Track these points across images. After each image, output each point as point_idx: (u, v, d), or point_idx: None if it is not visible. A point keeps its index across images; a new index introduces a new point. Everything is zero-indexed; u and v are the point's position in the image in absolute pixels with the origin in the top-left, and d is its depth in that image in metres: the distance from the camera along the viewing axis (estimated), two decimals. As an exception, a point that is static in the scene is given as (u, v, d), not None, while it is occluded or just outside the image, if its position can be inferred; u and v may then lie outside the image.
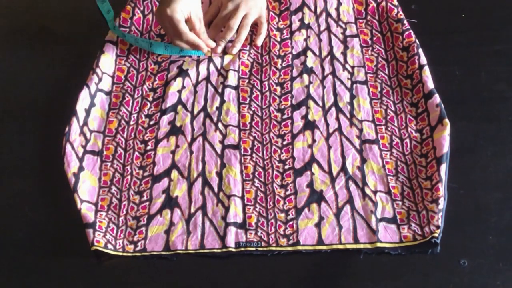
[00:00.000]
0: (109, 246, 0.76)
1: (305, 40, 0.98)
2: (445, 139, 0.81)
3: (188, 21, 0.94)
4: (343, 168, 0.82)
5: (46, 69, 1.00)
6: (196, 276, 0.75)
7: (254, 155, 0.85)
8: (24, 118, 0.93)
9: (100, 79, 0.93)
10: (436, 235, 0.73)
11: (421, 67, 0.90)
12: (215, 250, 0.76)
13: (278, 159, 0.84)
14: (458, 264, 0.73)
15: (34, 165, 0.87)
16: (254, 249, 0.76)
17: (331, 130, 0.86)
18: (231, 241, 0.76)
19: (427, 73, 0.89)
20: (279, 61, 0.96)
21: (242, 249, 0.76)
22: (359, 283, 0.73)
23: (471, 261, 0.73)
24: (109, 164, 0.85)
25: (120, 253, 0.76)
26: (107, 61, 0.96)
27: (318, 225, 0.77)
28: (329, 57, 0.96)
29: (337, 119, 0.88)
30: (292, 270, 0.75)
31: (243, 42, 0.98)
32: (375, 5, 1.02)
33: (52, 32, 1.06)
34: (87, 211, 0.78)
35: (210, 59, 0.97)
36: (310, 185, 0.81)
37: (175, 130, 0.88)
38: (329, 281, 0.74)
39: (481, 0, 1.04)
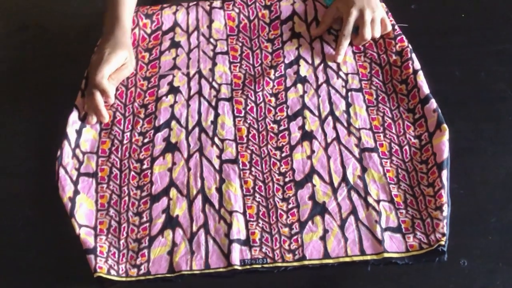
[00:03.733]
0: (112, 271, 0.74)
1: (297, 49, 0.98)
2: (444, 145, 0.81)
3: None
4: (344, 178, 0.81)
5: (46, 69, 0.99)
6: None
7: (253, 169, 0.84)
8: (24, 118, 0.93)
9: None
10: (443, 243, 0.73)
11: (415, 72, 0.90)
12: (221, 270, 0.74)
13: (277, 172, 0.83)
14: (458, 264, 0.73)
15: (34, 165, 0.86)
16: (260, 266, 0.74)
17: (329, 140, 0.86)
18: (235, 258, 0.75)
19: (421, 77, 0.89)
20: (272, 71, 0.94)
21: (248, 266, 0.74)
22: (359, 283, 0.73)
23: (471, 261, 0.73)
24: (105, 185, 0.83)
25: (124, 278, 0.74)
26: None
27: (323, 238, 0.76)
28: (322, 65, 0.95)
29: (335, 128, 0.87)
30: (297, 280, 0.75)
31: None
32: None
33: (52, 32, 1.06)
34: (86, 236, 0.76)
35: (200, 74, 0.95)
36: (312, 197, 0.80)
37: (171, 147, 0.86)
38: (329, 280, 0.74)
39: (481, 0, 1.05)
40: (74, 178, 0.83)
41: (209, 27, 1.02)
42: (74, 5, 1.12)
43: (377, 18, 0.95)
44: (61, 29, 1.06)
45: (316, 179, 0.82)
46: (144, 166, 0.85)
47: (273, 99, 0.92)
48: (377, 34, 0.95)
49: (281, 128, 0.88)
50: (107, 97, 0.90)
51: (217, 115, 0.90)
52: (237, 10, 1.04)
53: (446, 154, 0.80)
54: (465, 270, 0.73)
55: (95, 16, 1.05)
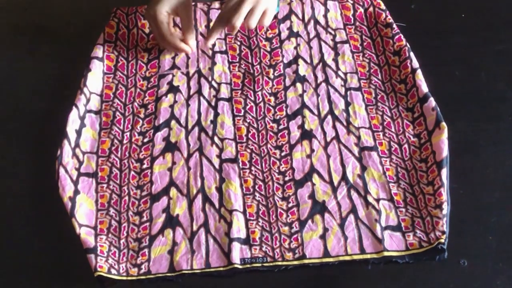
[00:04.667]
0: (113, 270, 0.74)
1: (295, 48, 0.98)
2: (443, 143, 0.81)
3: (178, 17, 0.97)
4: (344, 177, 0.81)
5: (46, 69, 1.00)
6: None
7: (253, 168, 0.84)
8: (23, 118, 0.93)
9: (88, 100, 0.91)
10: (442, 240, 0.73)
11: (413, 71, 0.90)
12: (221, 269, 0.74)
13: (277, 171, 0.83)
14: (458, 264, 0.73)
15: (33, 165, 0.86)
16: (260, 265, 0.75)
17: (328, 139, 0.86)
18: (236, 257, 0.75)
19: (420, 76, 0.89)
20: (271, 70, 0.95)
21: (248, 265, 0.74)
22: (359, 282, 0.73)
23: (471, 261, 0.73)
24: (105, 185, 0.83)
25: (125, 278, 0.74)
26: (95, 79, 0.94)
27: (323, 237, 0.76)
28: (320, 64, 0.95)
29: (334, 127, 0.87)
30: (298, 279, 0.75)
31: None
32: (362, 10, 1.02)
33: (51, 31, 1.06)
34: (86, 236, 0.76)
35: (200, 73, 0.96)
36: (312, 196, 0.80)
37: (171, 147, 0.87)
38: (329, 279, 0.74)
39: (481, 0, 1.05)
40: (74, 178, 0.83)
41: (207, 26, 1.02)
42: (75, 3, 1.12)
43: (258, 8, 0.89)
44: (61, 28, 1.07)
45: (315, 178, 0.82)
46: (144, 166, 0.85)
47: (272, 98, 0.92)
48: (252, 25, 0.90)
49: (281, 127, 0.88)
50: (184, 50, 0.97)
51: (216, 114, 0.90)
52: None
53: (445, 152, 0.80)
54: (465, 270, 0.73)
55: (97, 15, 1.06)
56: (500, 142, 0.85)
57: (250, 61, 0.97)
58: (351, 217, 0.78)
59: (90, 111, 0.91)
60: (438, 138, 0.82)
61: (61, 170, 0.82)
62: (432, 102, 0.86)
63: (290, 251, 0.75)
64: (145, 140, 0.88)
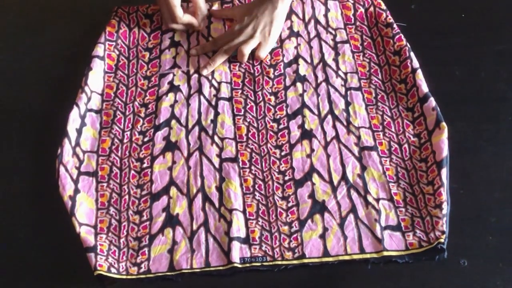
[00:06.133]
0: (112, 269, 0.74)
1: (296, 48, 0.98)
2: (443, 143, 0.81)
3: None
4: (344, 177, 0.81)
5: (46, 69, 1.00)
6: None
7: (252, 167, 0.84)
8: (23, 118, 0.93)
9: (89, 99, 0.91)
10: (442, 240, 0.73)
11: (414, 70, 0.90)
12: (221, 268, 0.74)
13: (277, 170, 0.83)
14: (458, 264, 0.73)
15: (33, 164, 0.86)
16: (259, 264, 0.75)
17: (328, 139, 0.86)
18: (235, 256, 0.75)
19: (420, 76, 0.89)
20: (271, 70, 0.95)
21: (248, 264, 0.74)
22: (359, 281, 0.73)
23: (471, 261, 0.73)
24: (105, 184, 0.83)
25: (124, 276, 0.74)
26: (95, 78, 0.94)
27: (322, 236, 0.76)
28: (321, 64, 0.95)
29: (334, 127, 0.87)
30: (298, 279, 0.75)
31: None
32: (363, 10, 1.02)
33: (52, 30, 1.07)
34: (86, 235, 0.76)
35: (200, 72, 0.96)
36: (312, 195, 0.80)
37: (171, 146, 0.87)
38: (329, 279, 0.74)
39: (481, 0, 1.05)
40: (75, 176, 0.83)
41: (208, 27, 1.03)
42: (75, 2, 1.13)
43: (251, 41, 0.95)
44: (62, 27, 1.07)
45: (315, 178, 0.82)
46: (144, 165, 0.85)
47: (272, 98, 0.92)
48: (244, 51, 0.95)
49: (281, 126, 0.88)
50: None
51: (217, 114, 0.90)
52: None
53: (445, 152, 0.80)
54: (465, 270, 0.73)
55: (98, 14, 1.06)
56: (500, 142, 0.85)
57: (250, 60, 0.97)
58: (351, 217, 0.78)
59: (90, 110, 0.91)
60: (438, 138, 0.82)
61: (61, 169, 0.82)
62: (432, 102, 0.86)
63: (290, 250, 0.75)
64: (146, 139, 0.88)
